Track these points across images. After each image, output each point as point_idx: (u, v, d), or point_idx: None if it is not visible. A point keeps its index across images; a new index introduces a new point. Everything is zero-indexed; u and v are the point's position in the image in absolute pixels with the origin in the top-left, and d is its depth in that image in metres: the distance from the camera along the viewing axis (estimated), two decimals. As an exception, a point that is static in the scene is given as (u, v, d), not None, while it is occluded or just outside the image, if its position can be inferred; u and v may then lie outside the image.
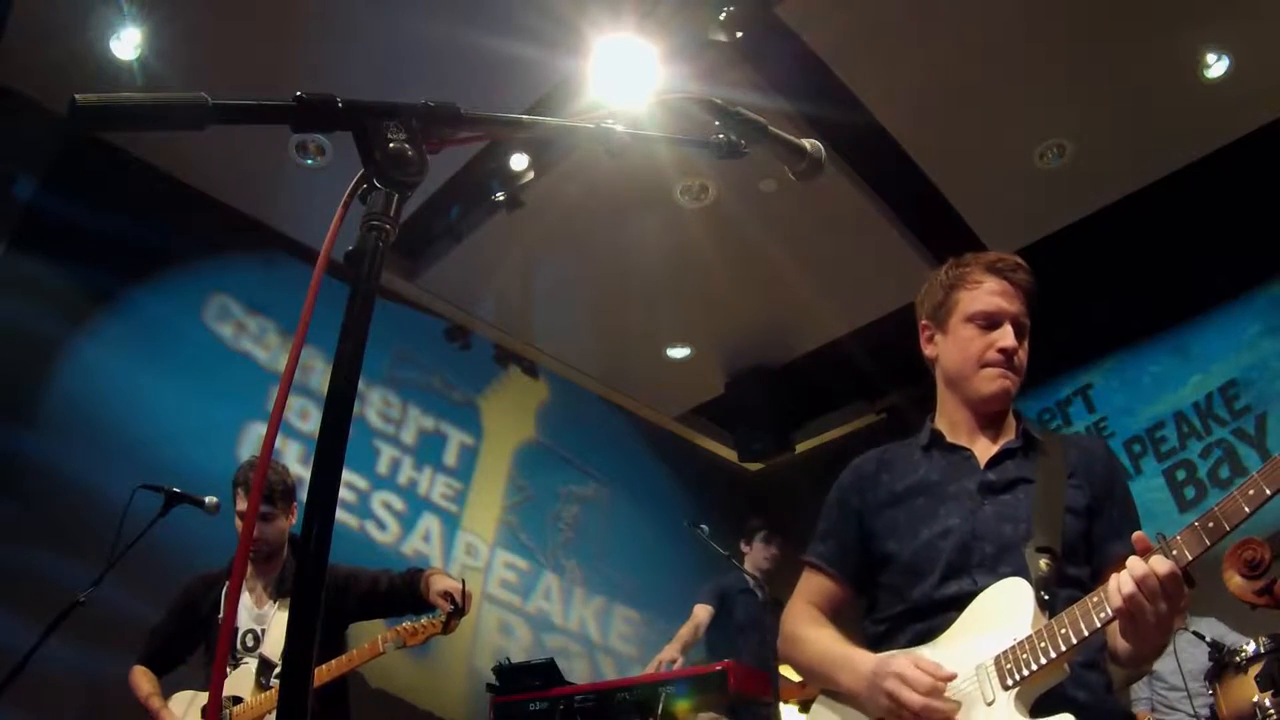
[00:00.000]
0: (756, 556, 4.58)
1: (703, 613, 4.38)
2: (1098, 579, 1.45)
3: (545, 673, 3.45)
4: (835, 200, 4.87)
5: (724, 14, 3.95)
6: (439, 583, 2.82)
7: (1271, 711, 2.79)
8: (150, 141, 4.53)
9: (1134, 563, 1.28)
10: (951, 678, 1.44)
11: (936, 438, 1.77)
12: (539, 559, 5.85)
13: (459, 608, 2.72)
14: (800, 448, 6.83)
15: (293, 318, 4.70)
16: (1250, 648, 3.00)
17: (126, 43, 4.04)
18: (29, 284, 4.17)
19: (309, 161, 4.73)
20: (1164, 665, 3.75)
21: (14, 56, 3.98)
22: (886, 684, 1.46)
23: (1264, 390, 4.97)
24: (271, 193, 4.94)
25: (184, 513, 3.03)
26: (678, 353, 6.40)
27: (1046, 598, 1.45)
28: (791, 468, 6.91)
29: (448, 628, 2.73)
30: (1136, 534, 1.32)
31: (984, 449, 1.71)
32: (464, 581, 2.80)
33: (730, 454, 7.20)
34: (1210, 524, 1.26)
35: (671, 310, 5.93)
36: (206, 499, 3.03)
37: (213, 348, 4.77)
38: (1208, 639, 3.30)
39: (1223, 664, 3.08)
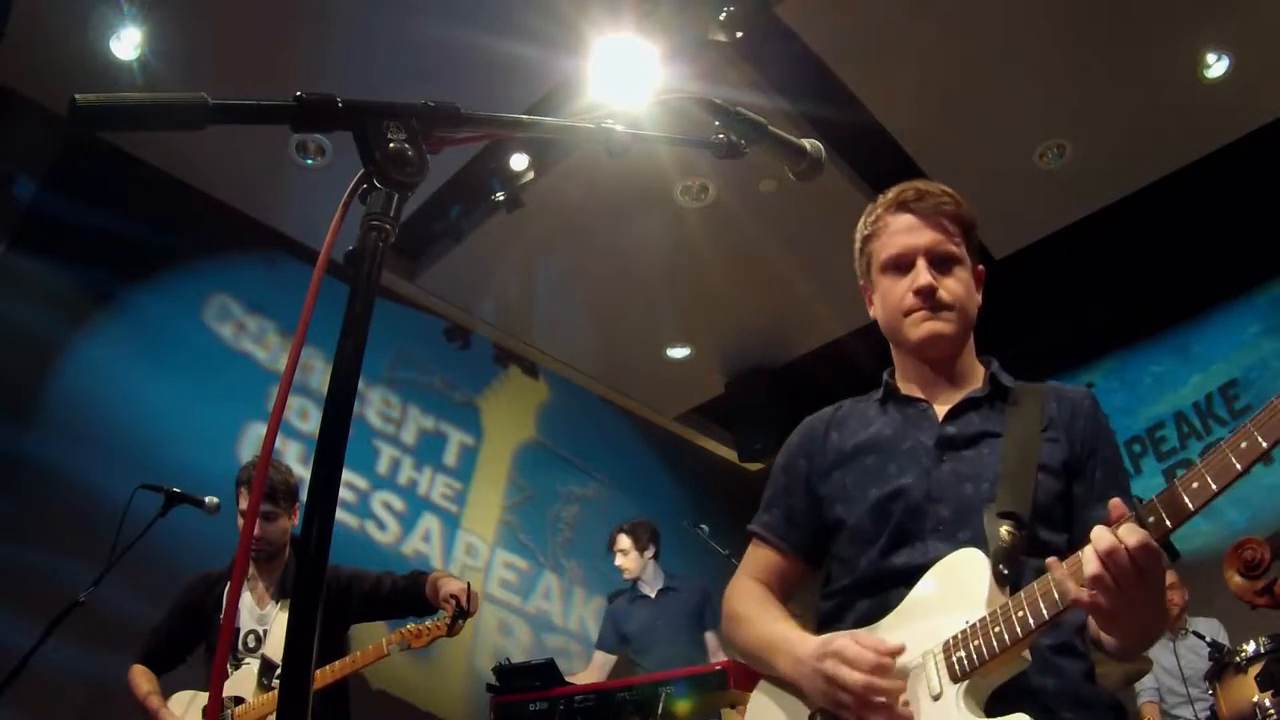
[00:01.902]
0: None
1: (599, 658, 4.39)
2: (1076, 549, 1.22)
3: (545, 673, 3.45)
4: (835, 200, 4.87)
5: (724, 14, 3.95)
6: (446, 585, 2.83)
7: (1271, 711, 2.79)
8: (150, 141, 4.53)
9: (1099, 534, 1.07)
10: (899, 650, 1.26)
11: (890, 390, 1.58)
12: (539, 559, 5.85)
13: (464, 610, 2.72)
14: (800, 448, 6.83)
15: (293, 318, 4.69)
16: (1250, 648, 3.00)
17: (126, 43, 4.04)
18: (29, 284, 4.17)
19: (309, 161, 4.74)
20: (1164, 662, 3.75)
21: (14, 56, 3.98)
22: (824, 665, 1.28)
23: (1264, 390, 4.97)
24: (271, 193, 4.94)
25: (184, 513, 3.03)
26: (678, 353, 6.40)
27: (1006, 571, 1.25)
28: (791, 468, 6.90)
29: (452, 630, 2.73)
30: (1113, 500, 1.12)
31: (945, 400, 1.51)
32: (470, 584, 2.80)
33: (730, 454, 7.21)
34: (1194, 484, 1.03)
35: (671, 310, 5.93)
36: (206, 499, 3.02)
37: (213, 348, 4.77)
38: (1207, 639, 3.30)
39: (1223, 664, 3.08)
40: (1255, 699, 2.86)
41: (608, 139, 1.05)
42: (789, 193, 4.80)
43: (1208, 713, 3.43)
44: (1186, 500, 1.03)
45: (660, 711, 3.12)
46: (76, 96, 0.72)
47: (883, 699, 1.22)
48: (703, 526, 4.56)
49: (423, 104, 0.86)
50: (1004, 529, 1.29)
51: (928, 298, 1.47)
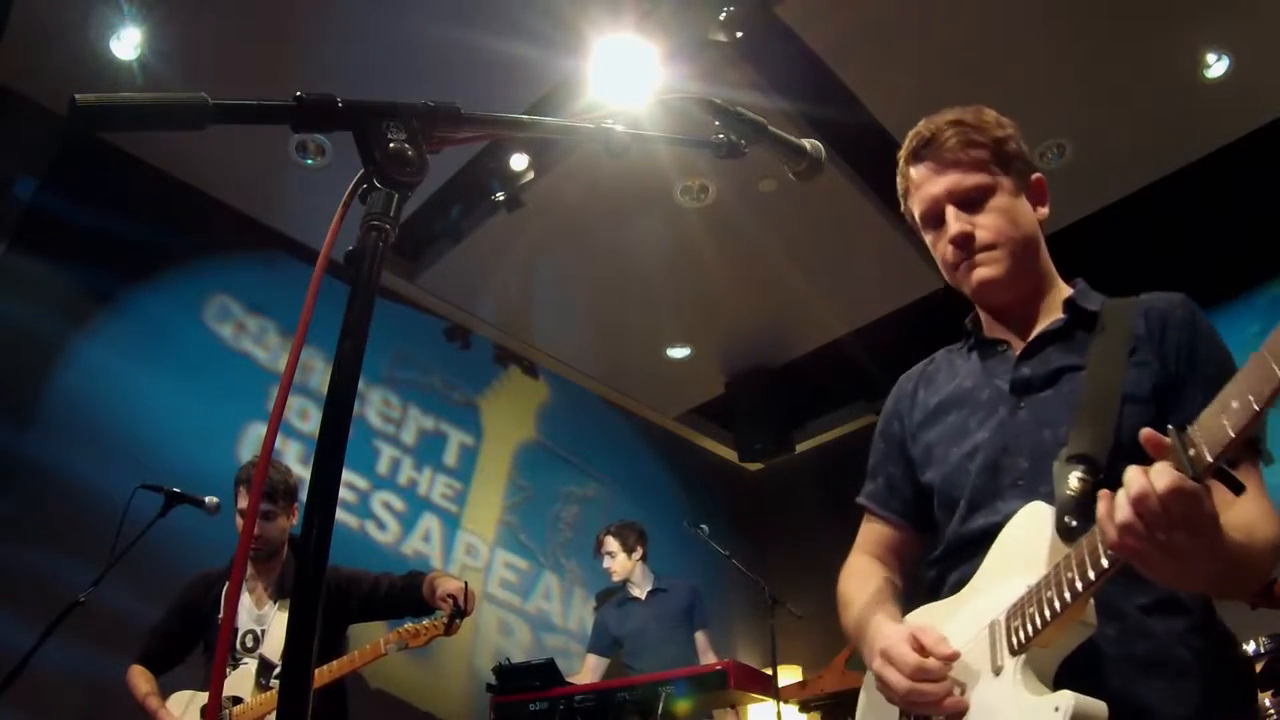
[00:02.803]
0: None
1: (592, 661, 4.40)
2: None
3: (545, 673, 3.45)
4: (835, 200, 4.87)
5: (724, 14, 3.95)
6: (443, 585, 2.83)
7: (1271, 711, 2.79)
8: (150, 141, 4.53)
9: (1130, 476, 0.92)
10: (953, 657, 1.16)
11: (975, 335, 1.46)
12: (539, 559, 5.85)
13: (461, 609, 2.72)
14: (800, 448, 6.83)
15: (293, 318, 4.70)
16: (1250, 648, 3.00)
17: (126, 43, 4.04)
18: (29, 284, 4.17)
19: (309, 161, 4.73)
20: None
21: (14, 56, 3.98)
22: (874, 665, 1.21)
23: (1264, 390, 4.96)
24: (271, 193, 4.94)
25: (184, 513, 3.03)
26: (678, 353, 6.40)
27: (1075, 524, 1.10)
28: (791, 468, 6.92)
29: (450, 629, 2.73)
30: (1144, 431, 0.92)
31: (1027, 338, 1.37)
32: (467, 583, 2.80)
33: (730, 454, 7.21)
34: (1234, 403, 0.84)
35: (671, 310, 5.93)
36: (206, 499, 3.03)
37: (213, 348, 4.77)
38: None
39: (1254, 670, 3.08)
40: (1255, 699, 2.86)
41: (608, 139, 1.05)
42: (789, 193, 4.79)
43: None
44: (1225, 424, 0.85)
45: (660, 711, 3.12)
46: (76, 96, 0.72)
47: (932, 698, 1.14)
48: (703, 526, 4.56)
49: (423, 104, 0.87)
50: (1074, 475, 1.14)
51: (965, 246, 1.36)
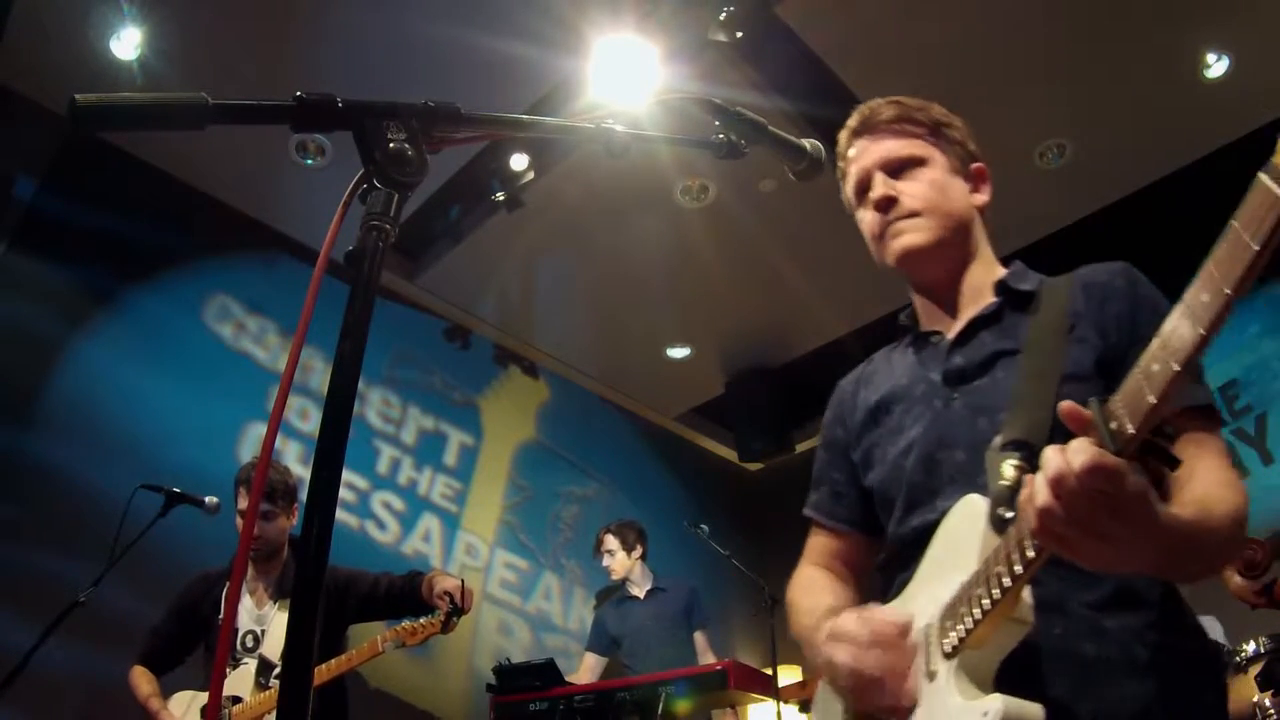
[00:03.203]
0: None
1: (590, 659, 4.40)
2: None
3: (545, 673, 3.45)
4: (835, 200, 4.85)
5: (724, 14, 3.95)
6: (440, 583, 2.83)
7: (1271, 711, 2.79)
8: (150, 141, 4.53)
9: (1047, 456, 0.83)
10: (904, 627, 1.09)
11: (909, 329, 1.40)
12: (539, 559, 5.85)
13: (458, 607, 2.72)
14: (800, 448, 6.83)
15: (293, 318, 4.70)
16: (1250, 648, 3.00)
17: (126, 43, 4.04)
18: (29, 284, 4.17)
19: (309, 161, 4.74)
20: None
21: (14, 56, 3.98)
22: (823, 648, 1.13)
23: (1264, 390, 4.97)
24: (271, 193, 4.94)
25: (184, 513, 3.03)
26: (678, 353, 6.40)
27: (1009, 515, 1.00)
28: (791, 468, 6.91)
29: (447, 627, 2.73)
30: (1063, 405, 0.84)
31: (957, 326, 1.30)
32: (464, 580, 2.80)
33: (730, 454, 7.21)
34: (1154, 366, 0.76)
35: (671, 310, 5.93)
36: (206, 499, 3.03)
37: (213, 348, 4.77)
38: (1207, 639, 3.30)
39: (1223, 664, 3.08)
40: (1255, 699, 2.86)
41: (608, 139, 1.05)
42: (789, 193, 4.79)
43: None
44: (1147, 391, 0.76)
45: (660, 711, 3.12)
46: (76, 96, 0.72)
47: (877, 674, 1.05)
48: (703, 526, 4.56)
49: (423, 104, 0.87)
50: (1009, 464, 1.06)
51: (887, 209, 1.30)
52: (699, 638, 4.28)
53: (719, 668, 3.27)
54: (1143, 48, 4.20)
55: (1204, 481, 1.02)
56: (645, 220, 5.11)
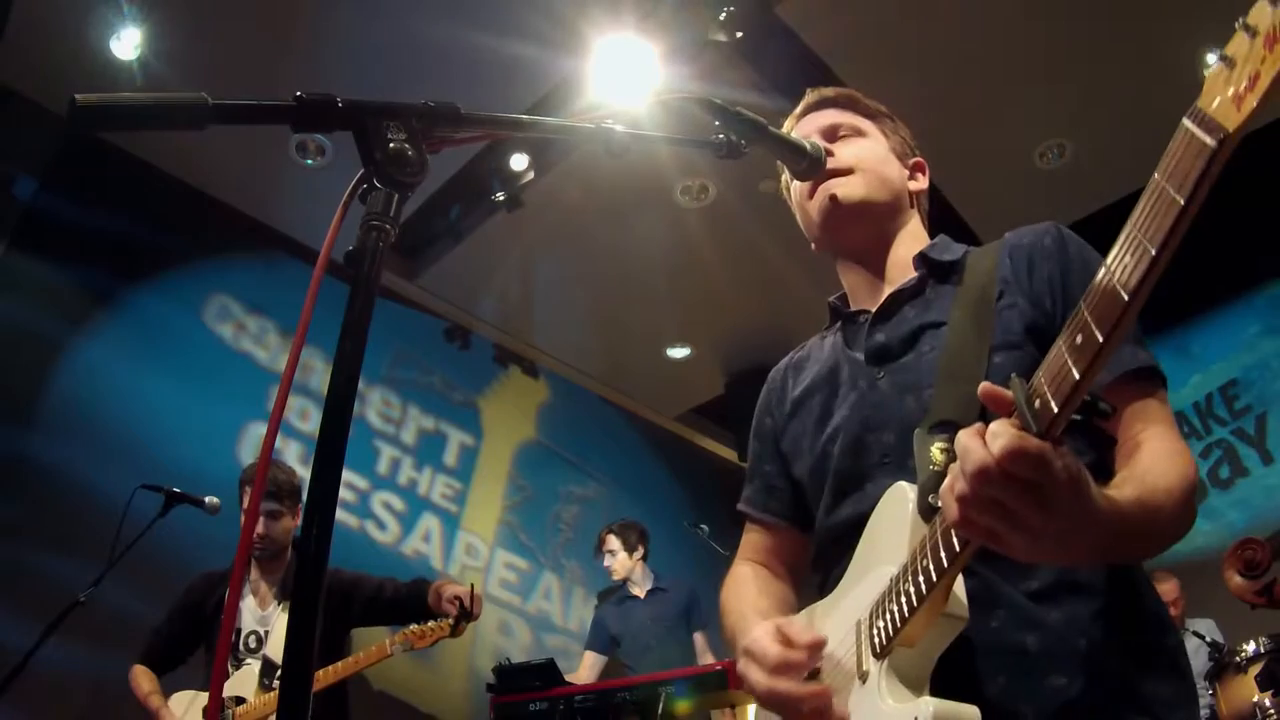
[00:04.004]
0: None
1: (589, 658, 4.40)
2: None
3: (545, 673, 3.45)
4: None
5: (724, 14, 3.95)
6: (449, 589, 2.85)
7: (1271, 711, 2.79)
8: (150, 141, 4.53)
9: (962, 440, 0.75)
10: (818, 644, 1.00)
11: (836, 309, 1.35)
12: (539, 559, 5.85)
13: (468, 612, 2.74)
14: (800, 448, 6.84)
15: (293, 318, 4.68)
16: (1250, 648, 3.00)
17: (126, 43, 4.04)
18: (29, 284, 4.17)
19: (309, 161, 4.74)
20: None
21: (14, 56, 3.98)
22: (739, 665, 1.06)
23: (1264, 390, 4.97)
24: (271, 193, 4.94)
25: (184, 513, 3.03)
26: (678, 353, 6.40)
27: (938, 503, 0.88)
28: (791, 468, 6.91)
29: (455, 631, 2.76)
30: (983, 386, 0.77)
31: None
32: (474, 586, 2.82)
33: (730, 454, 7.21)
34: (1078, 337, 0.69)
35: (671, 310, 5.93)
36: (206, 499, 3.03)
37: (213, 348, 4.78)
38: (1207, 639, 3.30)
39: (1222, 664, 3.08)
40: (1255, 699, 2.86)
41: (608, 139, 1.05)
42: (789, 193, 4.79)
43: (1208, 712, 3.43)
44: (1071, 364, 0.69)
45: (660, 711, 3.12)
46: (76, 96, 0.72)
47: (791, 695, 0.98)
48: (703, 526, 4.56)
49: (423, 104, 0.87)
50: (937, 446, 0.98)
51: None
52: (699, 638, 4.29)
53: (719, 668, 3.26)
54: (1143, 48, 4.21)
55: (1147, 453, 0.96)
56: (645, 220, 5.11)
